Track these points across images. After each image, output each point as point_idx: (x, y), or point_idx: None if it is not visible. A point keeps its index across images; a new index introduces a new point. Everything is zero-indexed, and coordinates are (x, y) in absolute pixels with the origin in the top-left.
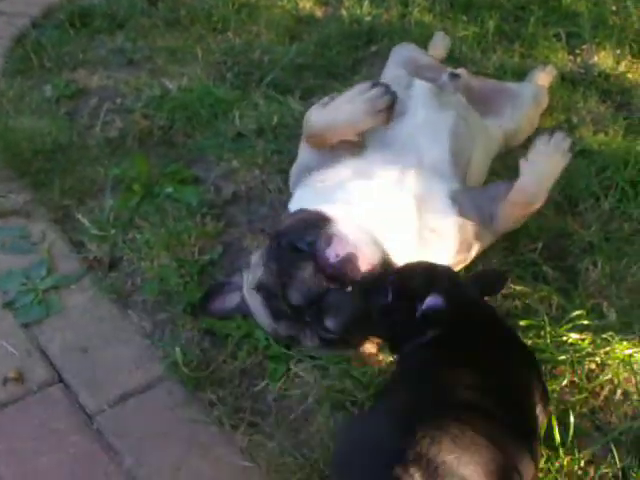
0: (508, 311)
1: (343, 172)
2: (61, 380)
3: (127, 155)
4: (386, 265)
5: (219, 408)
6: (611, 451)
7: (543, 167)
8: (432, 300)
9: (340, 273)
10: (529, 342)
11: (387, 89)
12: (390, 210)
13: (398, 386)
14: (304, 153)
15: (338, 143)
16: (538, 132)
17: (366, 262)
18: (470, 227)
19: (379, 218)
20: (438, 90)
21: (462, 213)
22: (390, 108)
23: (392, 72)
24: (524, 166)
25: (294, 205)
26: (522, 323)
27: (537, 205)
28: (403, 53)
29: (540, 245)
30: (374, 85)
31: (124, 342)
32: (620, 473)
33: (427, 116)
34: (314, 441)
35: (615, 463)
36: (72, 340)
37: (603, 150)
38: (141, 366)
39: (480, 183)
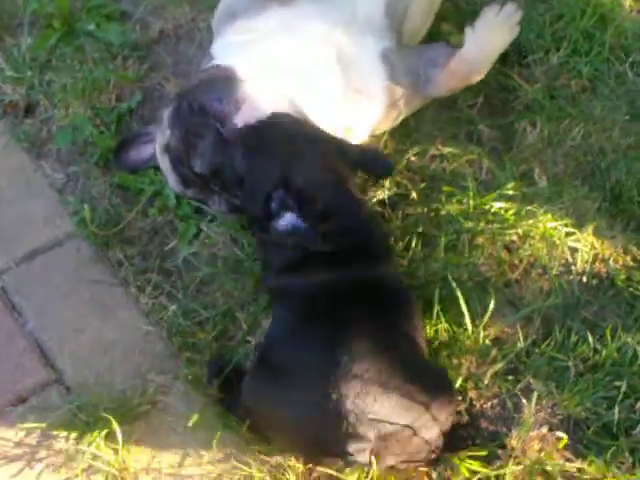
0: (434, 174)
1: (268, 22)
2: None
3: None
4: None
5: (126, 267)
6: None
7: (489, 39)
8: (287, 220)
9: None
10: (451, 209)
11: None
12: (312, 68)
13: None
14: None
15: None
16: None
17: None
18: (400, 90)
19: (299, 77)
20: None
21: (393, 75)
22: None
23: None
24: (469, 35)
25: (214, 52)
26: (445, 189)
27: (477, 77)
28: None
29: (480, 100)
30: None
31: (35, 196)
32: (523, 352)
33: None
34: (217, 304)
35: (519, 340)
36: None
37: None
38: (50, 222)
39: (421, 32)
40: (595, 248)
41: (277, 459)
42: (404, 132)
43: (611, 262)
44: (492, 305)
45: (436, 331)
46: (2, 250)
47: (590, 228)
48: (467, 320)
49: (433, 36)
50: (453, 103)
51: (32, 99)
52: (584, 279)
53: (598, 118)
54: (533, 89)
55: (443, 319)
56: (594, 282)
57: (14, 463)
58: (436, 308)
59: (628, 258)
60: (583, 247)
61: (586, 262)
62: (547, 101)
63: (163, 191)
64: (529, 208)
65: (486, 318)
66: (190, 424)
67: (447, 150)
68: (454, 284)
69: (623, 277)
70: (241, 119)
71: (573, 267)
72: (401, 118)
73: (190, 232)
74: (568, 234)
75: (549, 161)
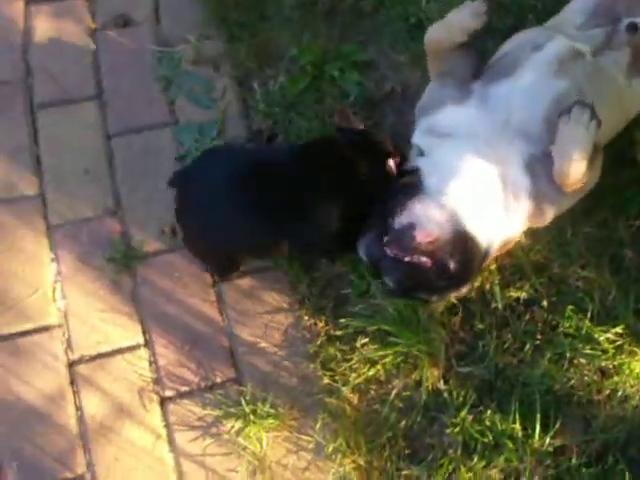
0: (568, 290)
1: (443, 123)
2: None
3: (315, 24)
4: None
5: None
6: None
7: (570, 148)
8: None
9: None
10: (568, 327)
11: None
12: (478, 180)
13: None
14: (425, 94)
15: (445, 87)
16: None
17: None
18: (544, 196)
19: (468, 190)
20: (569, 56)
21: (535, 183)
22: (488, 13)
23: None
24: (554, 152)
25: (415, 139)
26: (569, 309)
27: (584, 180)
28: None
29: (638, 223)
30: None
31: None
32: (574, 467)
33: (533, 81)
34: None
35: (574, 457)
36: None
37: None
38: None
39: (606, 136)
40: None
41: None
42: (559, 242)
43: None
44: (561, 418)
45: (512, 429)
46: None
47: None
48: (537, 427)
49: (623, 141)
50: (614, 221)
51: (274, 132)
52: None
53: None
54: None
55: (518, 420)
56: None
57: (192, 431)
58: (514, 407)
59: None
60: None
61: None
62: None
63: None
64: (632, 347)
65: (554, 428)
66: (329, 450)
67: (584, 274)
68: (537, 396)
69: None
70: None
71: None
72: (550, 218)
73: (362, 288)
74: None
75: None
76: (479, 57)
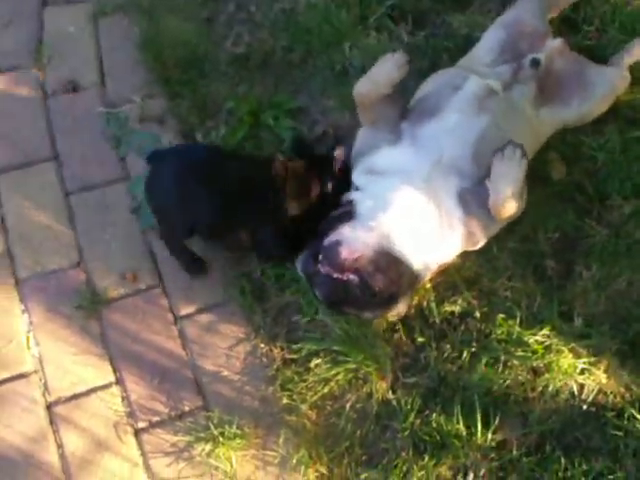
0: (498, 300)
1: (380, 162)
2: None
3: (249, 76)
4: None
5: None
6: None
7: (504, 184)
8: None
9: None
10: (500, 334)
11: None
12: (413, 209)
13: None
14: (358, 138)
15: (378, 131)
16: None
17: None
18: (475, 223)
19: (403, 218)
20: (485, 93)
21: (467, 212)
22: (409, 62)
23: (490, 35)
24: (489, 186)
25: (353, 178)
26: (500, 317)
27: (512, 210)
28: (513, 14)
29: (557, 235)
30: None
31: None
32: (515, 458)
33: (458, 121)
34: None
35: (515, 449)
36: None
37: None
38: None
39: None
40: (602, 383)
41: None
42: (487, 257)
43: (611, 397)
44: (500, 416)
45: (457, 429)
46: (185, 300)
47: (603, 366)
48: (479, 425)
49: (537, 161)
50: (534, 236)
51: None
52: (584, 406)
53: None
54: (602, 233)
55: (461, 420)
56: (592, 409)
57: (167, 457)
58: (457, 409)
59: (628, 395)
60: (592, 382)
61: (591, 392)
62: (610, 247)
63: (299, 279)
64: (559, 346)
65: (494, 425)
66: (293, 462)
67: (511, 284)
68: (477, 397)
69: (614, 414)
70: (340, 259)
71: (579, 396)
72: (482, 243)
73: (310, 314)
74: (583, 370)
75: (591, 302)
76: (404, 100)
